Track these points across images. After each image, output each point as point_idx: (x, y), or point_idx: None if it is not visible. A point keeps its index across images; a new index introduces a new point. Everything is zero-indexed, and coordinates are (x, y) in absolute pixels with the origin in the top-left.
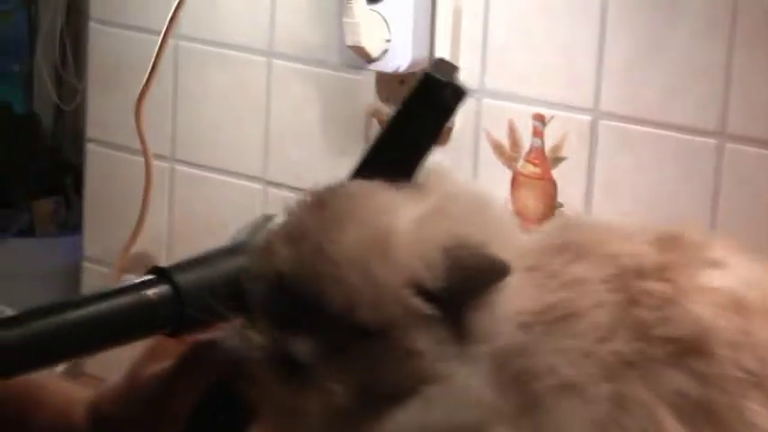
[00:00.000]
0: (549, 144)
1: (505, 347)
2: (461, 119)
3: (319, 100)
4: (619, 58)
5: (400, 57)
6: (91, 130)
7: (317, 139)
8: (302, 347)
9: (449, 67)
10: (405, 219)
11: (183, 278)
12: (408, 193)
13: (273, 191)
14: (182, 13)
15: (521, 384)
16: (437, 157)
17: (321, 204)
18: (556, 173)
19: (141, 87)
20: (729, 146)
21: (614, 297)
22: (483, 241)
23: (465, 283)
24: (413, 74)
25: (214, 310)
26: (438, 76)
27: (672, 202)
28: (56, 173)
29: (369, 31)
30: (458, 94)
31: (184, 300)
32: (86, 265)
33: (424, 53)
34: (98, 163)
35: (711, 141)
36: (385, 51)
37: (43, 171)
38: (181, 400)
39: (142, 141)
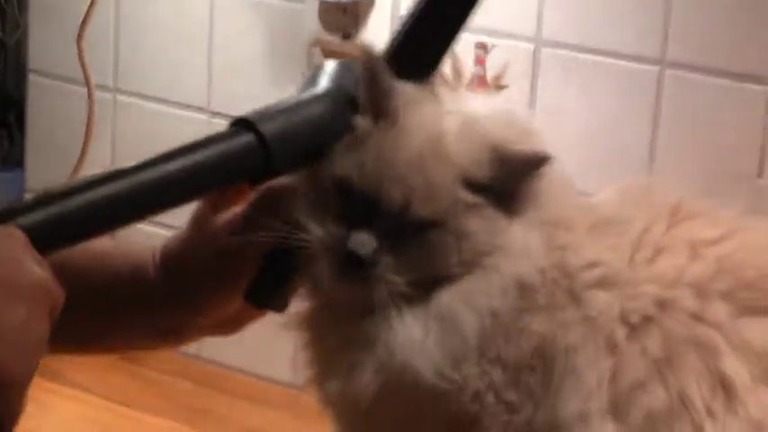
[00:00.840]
0: (491, 72)
1: (553, 223)
2: None
3: (262, 29)
4: None
5: None
6: (33, 62)
7: (260, 69)
8: (363, 243)
9: None
10: (451, 125)
11: (267, 127)
12: (447, 103)
13: (218, 121)
14: None
15: (564, 277)
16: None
17: (376, 114)
18: (498, 101)
19: (82, 17)
20: (669, 72)
21: (669, 224)
22: (521, 142)
23: (509, 173)
24: (355, 3)
25: (297, 158)
26: None
27: (613, 128)
28: None
29: None
30: None
31: (270, 149)
32: (29, 197)
33: None
34: (40, 94)
35: (652, 68)
36: None
37: None
38: (253, 245)
39: (84, 72)
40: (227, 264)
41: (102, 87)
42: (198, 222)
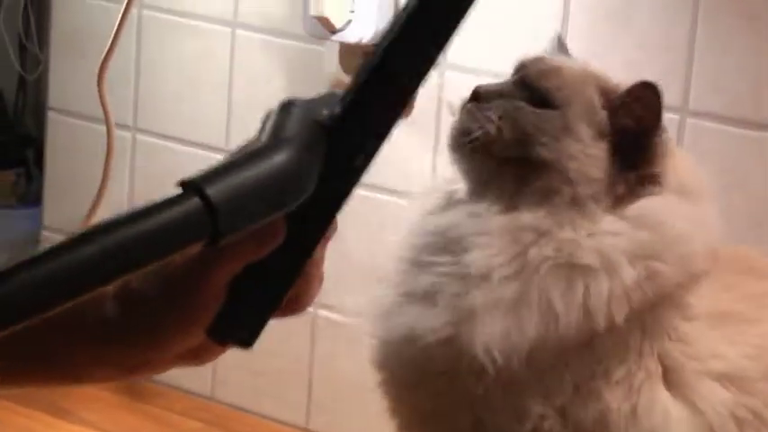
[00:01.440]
0: None
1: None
2: (424, 91)
3: (283, 70)
4: (582, 32)
5: (364, 28)
6: (52, 99)
7: None
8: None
9: None
10: None
11: (214, 190)
12: None
13: None
14: None
15: (658, 364)
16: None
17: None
18: None
19: (103, 56)
20: (690, 121)
21: None
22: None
23: (636, 111)
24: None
25: (254, 216)
26: None
27: None
28: (18, 145)
29: (333, 1)
30: None
31: (218, 213)
32: (45, 234)
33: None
34: (59, 132)
35: (673, 117)
36: (349, 22)
37: (5, 143)
38: (219, 272)
39: (104, 110)
40: (183, 298)
41: (122, 126)
42: None
